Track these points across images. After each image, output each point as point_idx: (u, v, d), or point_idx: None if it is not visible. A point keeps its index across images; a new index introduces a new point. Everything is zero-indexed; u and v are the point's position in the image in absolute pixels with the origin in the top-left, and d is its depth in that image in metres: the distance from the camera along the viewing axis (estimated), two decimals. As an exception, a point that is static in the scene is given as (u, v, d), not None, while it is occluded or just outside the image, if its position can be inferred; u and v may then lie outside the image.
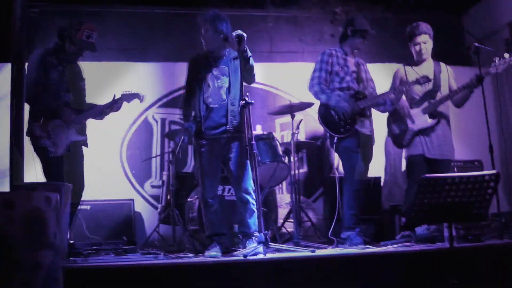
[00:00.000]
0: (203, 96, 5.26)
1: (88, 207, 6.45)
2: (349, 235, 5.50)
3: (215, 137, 5.23)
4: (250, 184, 5.18)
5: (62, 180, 5.19)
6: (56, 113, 5.36)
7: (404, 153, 5.93)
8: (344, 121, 5.65)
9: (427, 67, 5.89)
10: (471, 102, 5.75)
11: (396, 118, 5.91)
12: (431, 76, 5.77)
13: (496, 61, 5.41)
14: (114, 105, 5.64)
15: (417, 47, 5.87)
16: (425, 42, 5.84)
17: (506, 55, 5.40)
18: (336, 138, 5.66)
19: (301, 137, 7.49)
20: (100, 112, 5.62)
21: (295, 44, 7.98)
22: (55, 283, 3.26)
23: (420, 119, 5.75)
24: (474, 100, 5.70)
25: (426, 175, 4.19)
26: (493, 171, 4.15)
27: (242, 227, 5.28)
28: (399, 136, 5.87)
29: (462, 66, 7.16)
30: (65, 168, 5.37)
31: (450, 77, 5.91)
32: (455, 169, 6.70)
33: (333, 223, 5.61)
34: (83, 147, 5.66)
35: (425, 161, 5.68)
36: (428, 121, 5.73)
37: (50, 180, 5.22)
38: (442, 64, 5.95)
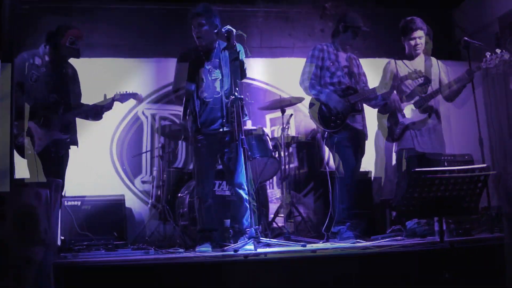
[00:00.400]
0: (198, 91, 5.25)
1: (79, 203, 6.42)
2: (340, 230, 5.52)
3: (212, 133, 5.22)
4: (243, 179, 5.17)
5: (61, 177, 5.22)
6: (38, 112, 5.41)
7: (394, 147, 5.94)
8: (334, 116, 5.65)
9: (419, 62, 5.89)
10: (462, 97, 5.76)
11: (387, 112, 5.91)
12: (422, 71, 5.78)
13: (488, 56, 5.42)
14: (106, 104, 5.68)
15: (413, 42, 5.84)
16: (420, 38, 5.83)
17: (498, 51, 5.41)
18: (327, 133, 5.67)
19: (292, 132, 7.49)
20: (94, 112, 5.66)
21: (285, 40, 7.96)
22: (46, 278, 3.26)
23: (410, 113, 5.76)
24: (465, 95, 5.72)
25: (416, 169, 4.22)
26: (484, 166, 4.18)
27: (234, 222, 5.29)
28: (389, 130, 5.87)
29: (452, 60, 7.17)
30: (46, 166, 5.39)
31: (441, 71, 5.91)
32: (446, 163, 6.71)
33: (328, 218, 5.62)
34: (73, 147, 5.68)
35: (415, 155, 5.69)
36: (419, 115, 5.74)
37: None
38: (433, 59, 5.96)
